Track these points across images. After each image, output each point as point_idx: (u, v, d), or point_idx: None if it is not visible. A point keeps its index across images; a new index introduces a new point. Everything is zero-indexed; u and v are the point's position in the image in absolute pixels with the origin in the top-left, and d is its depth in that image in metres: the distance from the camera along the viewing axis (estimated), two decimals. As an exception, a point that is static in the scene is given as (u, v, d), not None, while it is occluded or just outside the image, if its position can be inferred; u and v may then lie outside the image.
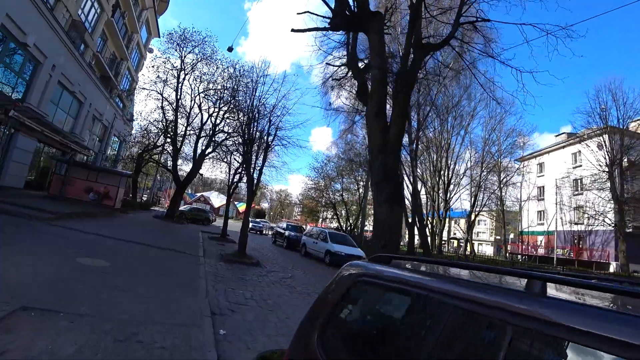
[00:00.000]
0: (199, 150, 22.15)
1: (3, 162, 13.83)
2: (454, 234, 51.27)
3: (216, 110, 21.20)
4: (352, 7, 8.56)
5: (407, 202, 22.06)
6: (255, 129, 12.69)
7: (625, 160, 24.15)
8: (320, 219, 41.81)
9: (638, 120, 26.04)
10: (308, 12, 9.23)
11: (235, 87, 17.11)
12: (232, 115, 19.93)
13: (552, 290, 1.04)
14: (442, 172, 30.54)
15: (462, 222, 44.39)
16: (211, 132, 21.47)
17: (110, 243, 8.73)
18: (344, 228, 29.13)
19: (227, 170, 17.80)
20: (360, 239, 19.43)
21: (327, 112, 21.61)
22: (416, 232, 23.59)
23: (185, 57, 21.52)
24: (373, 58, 8.26)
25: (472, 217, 33.63)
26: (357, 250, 15.03)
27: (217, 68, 21.72)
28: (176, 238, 13.68)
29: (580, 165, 28.07)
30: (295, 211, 69.21)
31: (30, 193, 15.39)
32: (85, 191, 17.90)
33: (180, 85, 21.61)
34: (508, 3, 9.58)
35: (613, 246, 25.33)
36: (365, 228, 27.49)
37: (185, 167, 27.91)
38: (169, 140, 22.73)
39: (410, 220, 22.80)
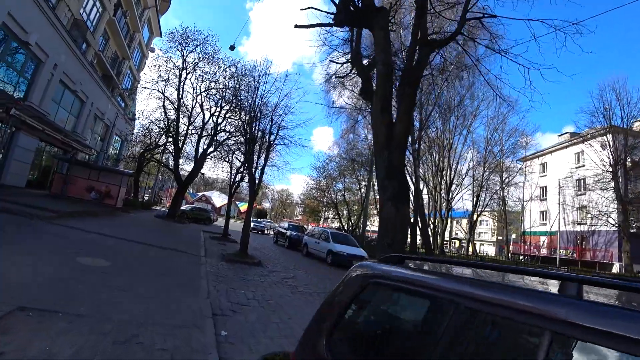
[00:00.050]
0: (200, 150, 22.11)
1: (4, 160, 13.83)
2: (456, 234, 51.17)
3: (218, 109, 21.19)
4: (357, 2, 8.48)
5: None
6: (257, 128, 12.67)
7: (629, 160, 24.03)
8: (322, 219, 41.71)
9: (642, 119, 25.91)
10: (312, 7, 9.16)
11: (237, 86, 17.09)
12: (234, 115, 19.90)
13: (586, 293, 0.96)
14: (444, 172, 30.45)
15: (464, 222, 44.26)
16: (213, 131, 21.43)
17: (111, 242, 8.67)
18: (345, 228, 29.03)
19: (229, 170, 17.76)
20: (362, 239, 19.35)
21: (330, 110, 21.66)
22: (418, 232, 23.52)
23: (187, 56, 21.50)
24: (378, 54, 8.17)
25: (474, 217, 33.55)
26: (359, 250, 14.95)
27: (219, 67, 21.70)
28: (177, 237, 13.63)
29: (584, 165, 27.94)
30: (296, 211, 69.15)
31: (31, 192, 15.37)
32: (86, 190, 17.89)
33: (182, 84, 21.61)
34: (515, -2, 9.48)
35: (616, 247, 25.20)
36: (367, 228, 27.39)
37: (186, 167, 27.90)
38: (170, 139, 22.70)
39: (412, 220, 22.71)
